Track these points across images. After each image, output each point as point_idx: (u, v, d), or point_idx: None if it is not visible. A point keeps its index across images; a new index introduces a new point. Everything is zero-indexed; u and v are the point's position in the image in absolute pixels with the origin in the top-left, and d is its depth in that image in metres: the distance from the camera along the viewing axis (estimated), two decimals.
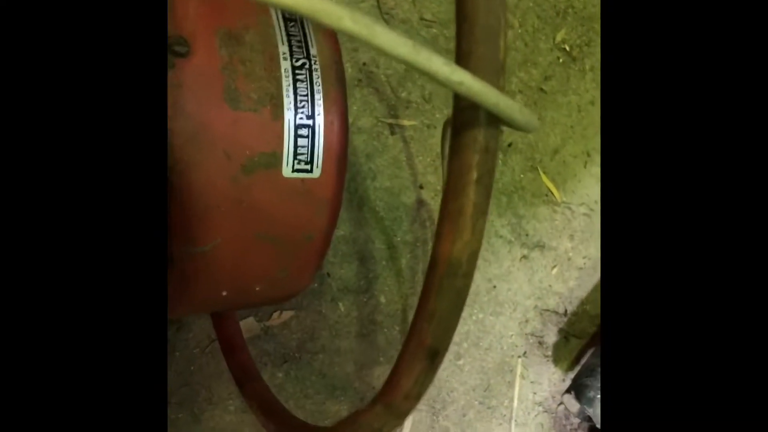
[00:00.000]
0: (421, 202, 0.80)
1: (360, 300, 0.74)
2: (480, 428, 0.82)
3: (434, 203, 0.81)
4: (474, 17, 0.27)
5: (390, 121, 0.78)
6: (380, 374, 0.75)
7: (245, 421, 0.66)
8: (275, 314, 0.69)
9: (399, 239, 0.77)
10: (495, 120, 0.27)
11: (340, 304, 0.73)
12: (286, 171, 0.39)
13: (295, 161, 0.40)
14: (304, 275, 0.46)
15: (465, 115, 0.27)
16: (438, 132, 0.82)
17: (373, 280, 0.75)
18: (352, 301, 0.74)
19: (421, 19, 0.81)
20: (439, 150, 0.81)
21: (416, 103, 0.80)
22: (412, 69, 0.24)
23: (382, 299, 0.76)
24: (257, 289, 0.44)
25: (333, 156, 0.41)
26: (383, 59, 0.78)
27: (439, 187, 0.81)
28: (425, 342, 0.32)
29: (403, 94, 0.79)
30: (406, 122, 0.80)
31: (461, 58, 0.27)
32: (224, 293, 0.43)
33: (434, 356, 0.33)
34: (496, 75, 0.27)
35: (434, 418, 0.79)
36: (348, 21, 0.22)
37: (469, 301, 0.83)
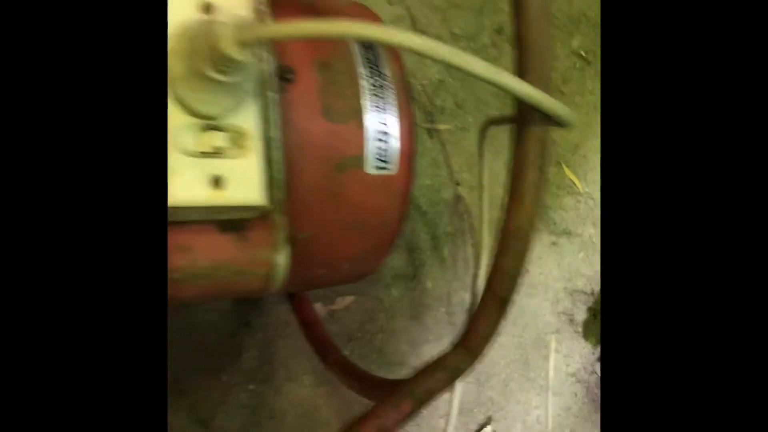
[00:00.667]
0: (458, 197, 0.89)
1: (410, 286, 0.84)
2: (521, 397, 0.91)
3: (469, 198, 0.90)
4: (529, 42, 0.37)
5: (428, 125, 0.87)
6: (430, 350, 0.84)
7: (318, 394, 0.76)
8: (339, 299, 0.79)
9: (441, 231, 0.87)
10: (548, 118, 0.36)
11: (393, 290, 0.82)
12: (370, 169, 0.49)
13: (376, 161, 0.49)
14: (382, 255, 0.55)
15: (527, 116, 0.36)
16: (470, 134, 0.91)
17: (420, 268, 0.85)
18: (403, 286, 0.83)
19: (451, 33, 0.91)
20: (472, 150, 0.90)
21: (450, 109, 0.90)
22: (492, 85, 0.33)
23: (429, 284, 0.85)
24: (345, 267, 0.54)
25: (405, 156, 0.50)
26: (419, 71, 0.87)
27: (474, 183, 0.90)
28: (498, 293, 0.42)
29: (438, 102, 0.89)
30: (441, 126, 0.89)
31: (523, 74, 0.36)
32: (321, 271, 0.52)
33: (504, 304, 0.42)
34: (547, 84, 0.36)
35: (480, 388, 0.88)
36: (447, 53, 0.32)
37: None
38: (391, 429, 0.41)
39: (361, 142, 0.48)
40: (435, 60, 0.32)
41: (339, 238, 0.50)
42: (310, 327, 0.68)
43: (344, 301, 0.79)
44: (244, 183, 0.40)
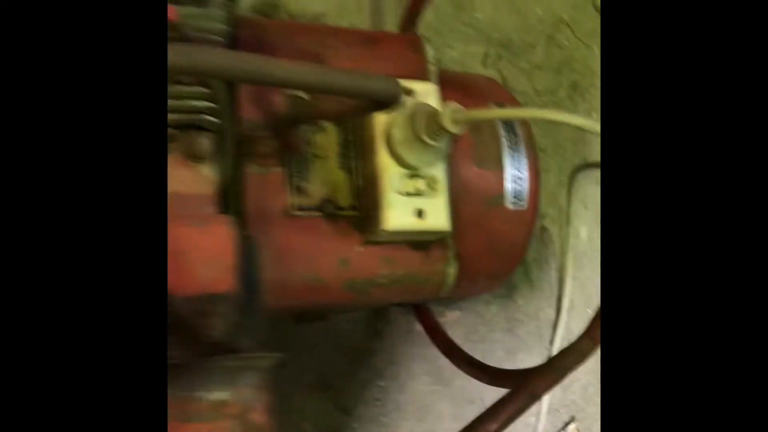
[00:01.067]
0: (543, 229, 1.04)
1: (505, 303, 0.99)
2: (598, 401, 1.05)
3: (553, 228, 1.05)
4: None
5: None
6: (522, 358, 0.98)
7: (433, 392, 0.91)
8: (448, 313, 0.94)
9: (530, 257, 1.02)
10: None
11: (492, 306, 0.97)
12: (508, 205, 0.64)
13: (513, 198, 0.65)
14: (509, 273, 0.71)
15: None
16: (551, 175, 1.06)
17: (514, 288, 1.00)
18: (500, 304, 0.98)
19: (535, 90, 1.07)
20: (553, 189, 1.06)
21: None
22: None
23: (521, 302, 1.00)
24: (481, 281, 0.69)
25: (533, 194, 0.66)
26: None
27: (555, 217, 1.05)
28: None
29: None
30: None
31: None
32: (464, 284, 0.67)
33: None
34: None
35: (564, 392, 1.02)
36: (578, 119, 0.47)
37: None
38: (541, 394, 0.56)
39: (502, 184, 0.64)
40: (588, 132, 0.48)
41: (483, 258, 0.65)
42: (434, 332, 0.83)
43: (452, 315, 0.94)
44: (437, 214, 0.56)
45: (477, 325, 0.96)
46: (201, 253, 0.38)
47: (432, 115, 0.51)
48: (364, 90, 0.40)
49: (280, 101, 0.54)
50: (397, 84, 0.42)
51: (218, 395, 0.37)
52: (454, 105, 0.50)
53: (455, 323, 0.94)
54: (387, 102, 0.42)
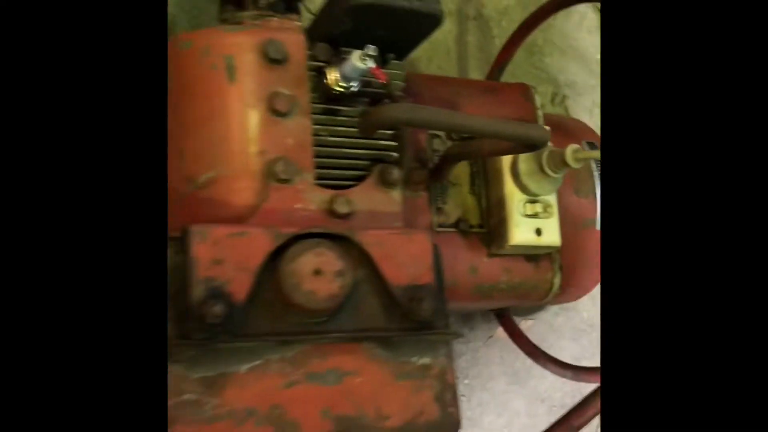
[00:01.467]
0: None
1: (571, 314, 1.11)
2: None
3: None
4: None
5: None
6: (585, 364, 1.10)
7: (510, 390, 1.03)
8: (522, 322, 1.06)
9: None
10: None
11: (560, 317, 1.10)
12: (598, 227, 0.77)
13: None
14: (595, 284, 0.83)
15: None
16: None
17: (578, 302, 1.12)
18: (566, 315, 1.11)
19: (597, 125, 1.21)
20: None
21: None
22: None
23: (585, 315, 1.12)
24: (570, 291, 0.82)
25: None
26: None
27: None
28: None
29: None
30: None
31: None
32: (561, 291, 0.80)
33: None
34: None
35: None
36: None
37: None
38: None
39: (594, 209, 0.77)
40: None
41: (578, 271, 0.78)
42: (517, 335, 0.95)
43: (526, 324, 1.07)
44: (551, 233, 0.69)
45: (547, 334, 1.08)
46: (410, 254, 0.51)
47: (556, 153, 0.64)
48: (525, 136, 0.53)
49: (424, 139, 0.68)
50: (548, 132, 0.54)
51: (424, 360, 0.50)
52: (574, 145, 0.64)
53: (528, 331, 1.06)
54: (538, 145, 0.55)
